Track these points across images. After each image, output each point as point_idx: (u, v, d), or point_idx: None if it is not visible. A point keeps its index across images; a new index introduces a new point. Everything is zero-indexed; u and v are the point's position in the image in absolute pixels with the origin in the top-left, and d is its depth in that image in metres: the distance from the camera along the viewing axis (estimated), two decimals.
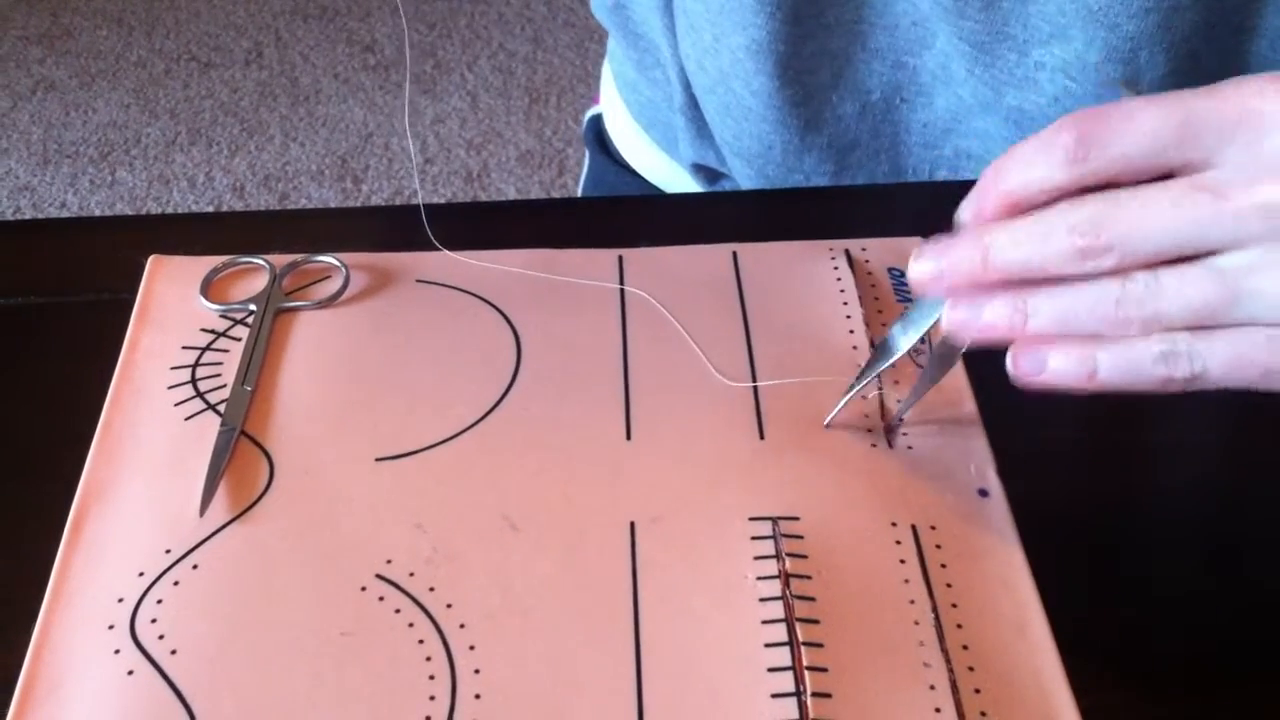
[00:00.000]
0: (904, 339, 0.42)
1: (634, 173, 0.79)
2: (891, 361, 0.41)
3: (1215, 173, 0.33)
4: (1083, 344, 0.35)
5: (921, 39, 0.61)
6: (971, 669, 0.38)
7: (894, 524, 0.42)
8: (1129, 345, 0.34)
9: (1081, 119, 0.34)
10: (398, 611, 0.40)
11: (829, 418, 0.45)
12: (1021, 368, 0.36)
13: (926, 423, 0.46)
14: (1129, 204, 0.34)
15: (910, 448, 0.45)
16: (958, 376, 0.47)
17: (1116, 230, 0.33)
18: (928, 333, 0.41)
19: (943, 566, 0.41)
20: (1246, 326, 0.33)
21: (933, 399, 0.46)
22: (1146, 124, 0.33)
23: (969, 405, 0.46)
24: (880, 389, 0.47)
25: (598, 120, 0.83)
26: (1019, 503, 0.43)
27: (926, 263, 0.37)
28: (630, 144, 0.78)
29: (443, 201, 1.80)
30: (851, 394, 0.44)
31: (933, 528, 0.42)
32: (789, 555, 0.41)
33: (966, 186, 0.49)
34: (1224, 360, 0.33)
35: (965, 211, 0.38)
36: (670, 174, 0.76)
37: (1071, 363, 0.35)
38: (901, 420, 0.45)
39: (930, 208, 0.54)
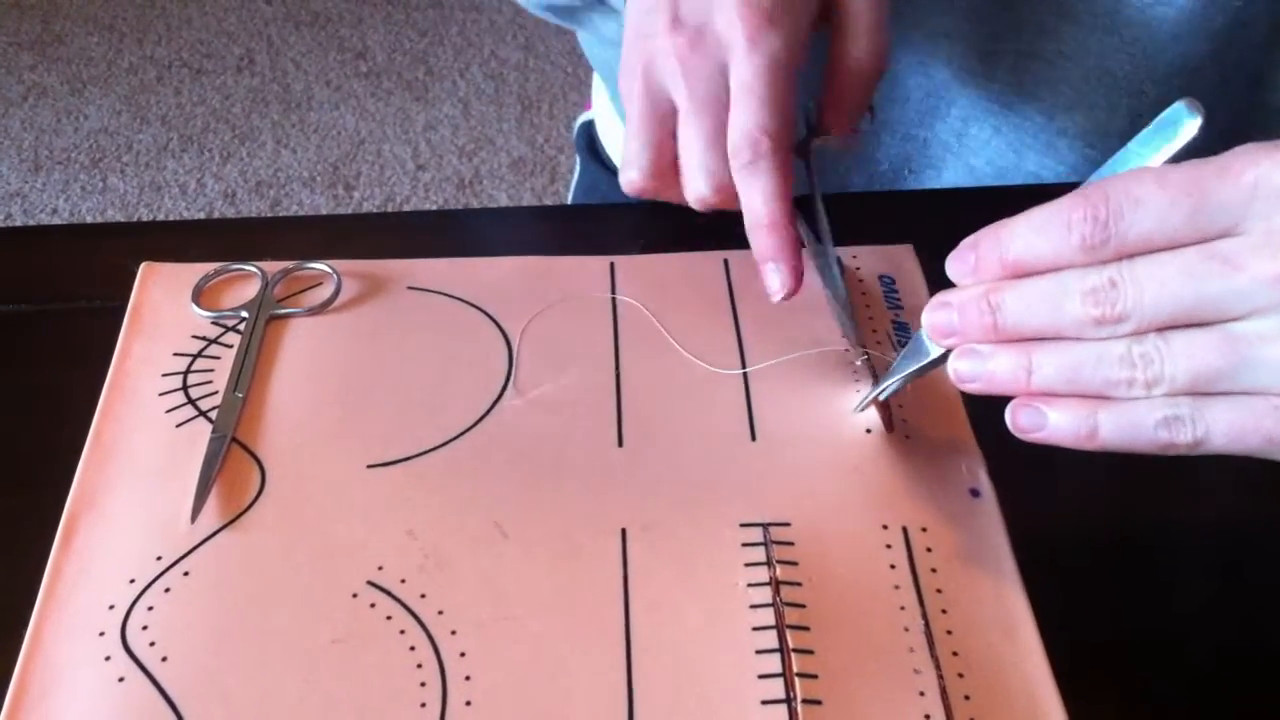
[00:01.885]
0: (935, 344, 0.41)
1: None
2: (925, 363, 0.41)
3: (1230, 241, 0.32)
4: (1085, 403, 0.35)
5: (934, 110, 0.62)
6: (961, 675, 0.38)
7: (885, 526, 0.42)
8: (1131, 407, 0.34)
9: (1094, 200, 0.34)
10: (389, 618, 0.40)
11: (858, 405, 0.46)
12: (1021, 424, 0.36)
13: (919, 421, 0.46)
14: (1144, 272, 0.33)
15: (908, 437, 0.45)
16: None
17: (1132, 300, 0.33)
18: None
19: (933, 571, 0.41)
20: (1252, 395, 0.33)
21: (924, 399, 0.46)
22: (1160, 209, 0.33)
23: (960, 405, 0.47)
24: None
25: (589, 126, 0.83)
26: (1010, 503, 0.43)
27: (940, 315, 0.38)
28: (620, 148, 0.78)
29: (434, 208, 1.80)
30: (878, 390, 0.44)
31: (924, 529, 0.42)
32: (779, 562, 0.41)
33: (958, 195, 0.50)
34: (1226, 427, 0.33)
35: (958, 267, 0.37)
36: None
37: (1071, 421, 0.35)
38: (885, 402, 0.46)
39: (921, 216, 0.54)
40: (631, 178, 0.48)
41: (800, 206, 0.48)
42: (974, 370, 0.37)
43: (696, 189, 0.47)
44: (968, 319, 0.37)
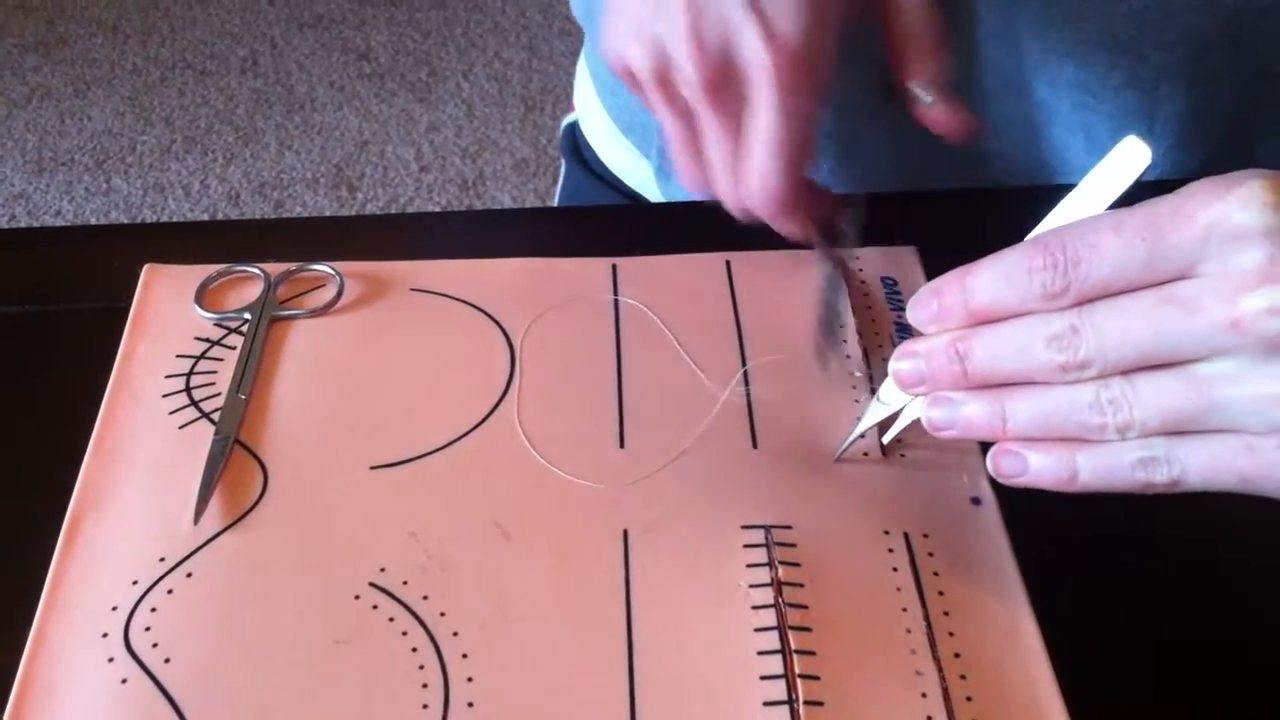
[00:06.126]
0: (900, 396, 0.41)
1: (609, 184, 0.78)
2: (891, 413, 0.41)
3: (1187, 285, 0.32)
4: (1063, 447, 0.35)
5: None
6: (963, 677, 0.38)
7: (886, 532, 0.42)
8: (1108, 450, 0.34)
9: (1051, 248, 0.34)
10: (391, 620, 0.40)
11: (839, 452, 0.45)
12: (1003, 469, 0.36)
13: (919, 431, 0.46)
14: (1104, 317, 0.33)
15: (903, 455, 0.45)
16: None
17: (1094, 345, 0.33)
18: None
19: (935, 575, 0.41)
20: (1225, 433, 0.33)
21: None
22: (1116, 254, 0.33)
23: None
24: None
25: (574, 128, 0.81)
26: (1011, 511, 0.43)
27: (907, 364, 0.38)
28: (608, 148, 0.77)
29: (438, 210, 1.80)
30: (854, 436, 0.44)
31: (925, 536, 0.42)
32: (781, 563, 0.41)
33: (962, 196, 0.50)
34: (1201, 466, 0.33)
35: (921, 314, 0.37)
36: (647, 179, 0.75)
37: (1052, 465, 0.35)
38: (887, 444, 0.46)
39: (922, 217, 0.54)
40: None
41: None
42: (948, 418, 0.37)
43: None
44: (936, 368, 0.37)
